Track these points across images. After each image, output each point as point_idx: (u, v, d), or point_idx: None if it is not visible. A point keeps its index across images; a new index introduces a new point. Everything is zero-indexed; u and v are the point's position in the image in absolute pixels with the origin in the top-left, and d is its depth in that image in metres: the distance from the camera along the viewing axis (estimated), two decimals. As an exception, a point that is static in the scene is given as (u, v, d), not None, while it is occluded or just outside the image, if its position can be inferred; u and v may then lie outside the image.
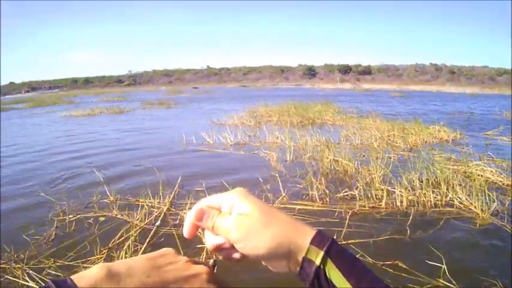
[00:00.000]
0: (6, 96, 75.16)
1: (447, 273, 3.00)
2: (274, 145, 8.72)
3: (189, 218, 0.64)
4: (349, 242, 3.69)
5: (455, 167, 6.16)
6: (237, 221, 0.58)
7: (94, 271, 0.50)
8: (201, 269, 0.60)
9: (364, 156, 7.24)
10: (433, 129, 10.13)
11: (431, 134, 9.67)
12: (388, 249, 3.59)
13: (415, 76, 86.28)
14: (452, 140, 9.37)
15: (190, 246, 3.62)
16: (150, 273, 0.54)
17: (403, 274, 3.10)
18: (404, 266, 3.21)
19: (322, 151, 7.21)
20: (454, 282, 2.93)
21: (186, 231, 0.64)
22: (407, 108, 21.24)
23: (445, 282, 2.96)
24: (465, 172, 5.96)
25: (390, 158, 6.50)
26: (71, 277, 0.48)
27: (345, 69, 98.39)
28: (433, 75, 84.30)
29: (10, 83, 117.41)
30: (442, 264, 3.05)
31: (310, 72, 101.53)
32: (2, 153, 9.34)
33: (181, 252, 3.54)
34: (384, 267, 3.23)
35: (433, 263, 3.13)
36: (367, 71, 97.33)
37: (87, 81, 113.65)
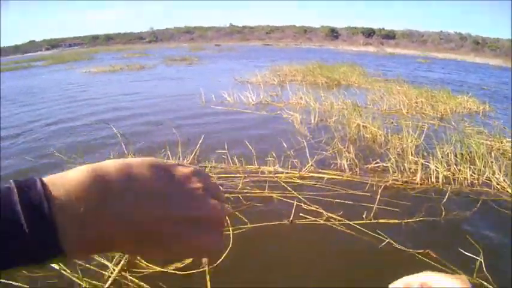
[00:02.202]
0: (26, 54, 75.94)
1: (484, 268, 2.64)
2: (298, 106, 8.39)
3: None
4: (379, 221, 3.37)
5: (488, 142, 5.74)
6: None
7: (77, 179, 0.37)
8: (213, 209, 0.46)
9: (392, 123, 6.86)
10: (462, 99, 9.65)
11: (461, 104, 9.21)
12: (420, 232, 3.26)
13: (439, 43, 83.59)
14: (481, 111, 8.86)
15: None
16: (151, 204, 0.40)
17: (435, 264, 2.77)
18: (435, 256, 2.86)
19: (349, 114, 6.86)
20: (491, 281, 2.58)
21: None
22: (434, 75, 20.42)
23: (480, 280, 2.59)
24: (499, 149, 5.55)
25: (423, 126, 6.10)
26: (44, 180, 0.36)
27: (369, 33, 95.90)
28: (457, 44, 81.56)
29: (30, 41, 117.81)
30: (479, 257, 2.68)
31: (333, 33, 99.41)
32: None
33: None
34: (415, 255, 2.91)
35: (469, 254, 2.78)
36: (391, 36, 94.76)
37: (108, 38, 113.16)
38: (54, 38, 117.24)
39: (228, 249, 2.89)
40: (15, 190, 0.33)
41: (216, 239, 0.45)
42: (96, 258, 2.74)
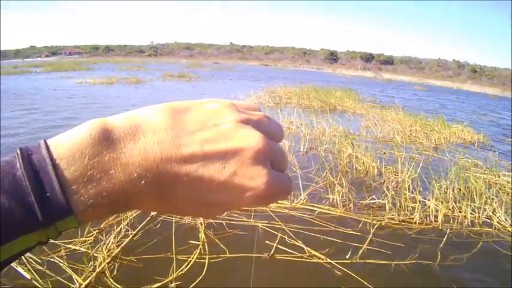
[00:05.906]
0: (26, 59, 76.37)
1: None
2: (289, 131, 8.19)
3: None
4: (366, 261, 3.16)
5: (485, 176, 5.60)
6: None
7: (82, 132, 0.35)
8: (248, 139, 0.37)
9: (385, 153, 6.71)
10: (456, 128, 9.63)
11: (455, 134, 9.15)
12: (409, 277, 3.01)
13: (437, 71, 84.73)
14: (476, 142, 8.79)
15: (185, 241, 3.29)
16: (172, 141, 0.36)
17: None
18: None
19: (340, 143, 6.66)
20: None
21: None
22: (430, 103, 20.43)
23: None
24: (496, 183, 5.39)
25: (418, 158, 5.96)
26: (48, 141, 0.34)
27: (367, 57, 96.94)
28: (455, 71, 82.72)
29: (31, 46, 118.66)
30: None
31: (332, 57, 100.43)
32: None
33: (173, 244, 3.15)
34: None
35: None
36: (389, 61, 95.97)
37: (108, 49, 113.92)
38: (54, 45, 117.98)
39: (201, 277, 2.78)
40: (19, 155, 0.33)
41: (262, 173, 0.37)
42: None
